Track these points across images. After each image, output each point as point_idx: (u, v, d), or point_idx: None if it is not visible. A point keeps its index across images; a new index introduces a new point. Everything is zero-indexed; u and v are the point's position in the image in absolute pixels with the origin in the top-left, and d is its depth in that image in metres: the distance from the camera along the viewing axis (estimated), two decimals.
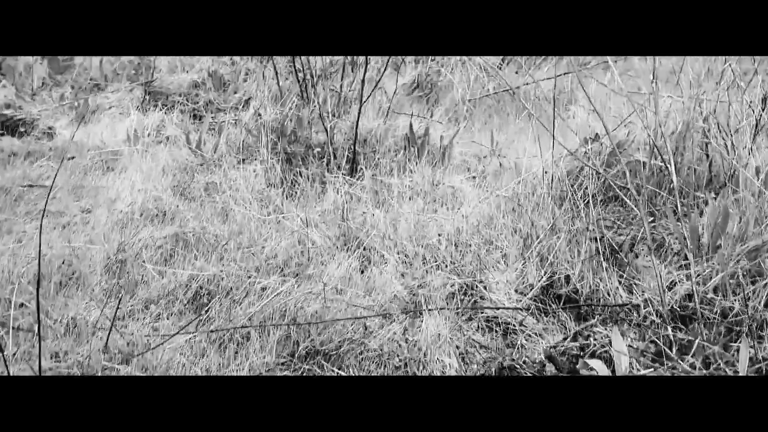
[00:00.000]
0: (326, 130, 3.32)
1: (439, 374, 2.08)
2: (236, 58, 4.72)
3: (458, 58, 4.53)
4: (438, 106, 4.43)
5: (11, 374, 1.86)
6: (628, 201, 2.74)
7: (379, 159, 3.34)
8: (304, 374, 2.05)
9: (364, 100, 3.22)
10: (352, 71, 4.48)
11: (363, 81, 3.26)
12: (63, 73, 4.33)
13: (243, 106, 4.25)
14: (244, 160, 3.38)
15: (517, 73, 4.92)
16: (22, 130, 3.71)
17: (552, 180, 2.89)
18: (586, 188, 2.87)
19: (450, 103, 4.39)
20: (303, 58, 3.93)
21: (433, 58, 4.63)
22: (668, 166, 2.97)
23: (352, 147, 3.31)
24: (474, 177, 3.34)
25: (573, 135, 3.41)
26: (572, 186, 2.93)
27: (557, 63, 4.65)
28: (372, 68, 4.46)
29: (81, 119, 3.89)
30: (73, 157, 3.32)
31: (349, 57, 4.52)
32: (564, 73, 4.51)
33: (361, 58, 4.48)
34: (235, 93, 4.34)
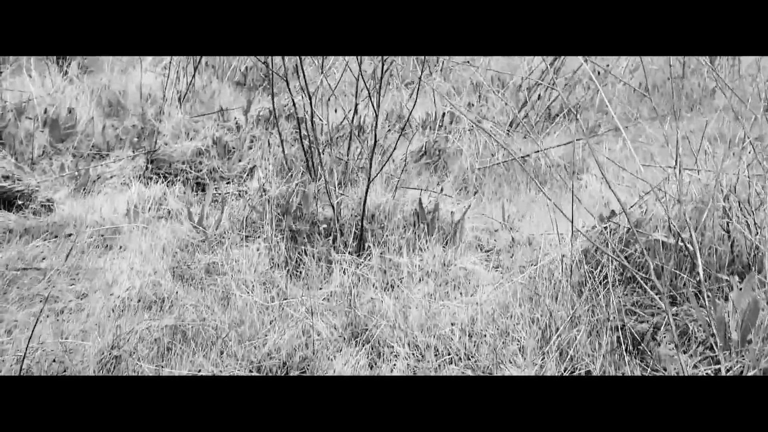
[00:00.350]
0: (333, 207, 3.21)
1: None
2: (242, 124, 4.66)
3: (466, 125, 4.46)
4: (447, 173, 4.33)
5: None
6: (649, 291, 2.61)
7: (387, 236, 3.22)
8: None
9: (372, 177, 3.12)
10: (359, 136, 4.40)
11: (371, 157, 3.16)
12: (64, 141, 4.26)
13: (248, 175, 4.16)
14: (247, 237, 3.27)
15: (525, 137, 4.85)
16: (20, 202, 3.60)
17: (571, 266, 2.76)
18: (605, 272, 2.74)
19: (459, 171, 4.30)
20: (309, 124, 3.85)
21: (440, 124, 4.56)
22: (688, 246, 2.85)
23: (360, 223, 3.20)
24: (487, 255, 3.22)
25: (588, 207, 3.29)
26: (590, 267, 2.80)
27: (566, 130, 4.57)
28: (379, 134, 4.38)
29: (81, 189, 3.80)
30: (70, 234, 3.21)
31: (356, 122, 4.45)
32: (577, 139, 4.43)
33: (369, 126, 4.41)
34: (240, 161, 4.26)
